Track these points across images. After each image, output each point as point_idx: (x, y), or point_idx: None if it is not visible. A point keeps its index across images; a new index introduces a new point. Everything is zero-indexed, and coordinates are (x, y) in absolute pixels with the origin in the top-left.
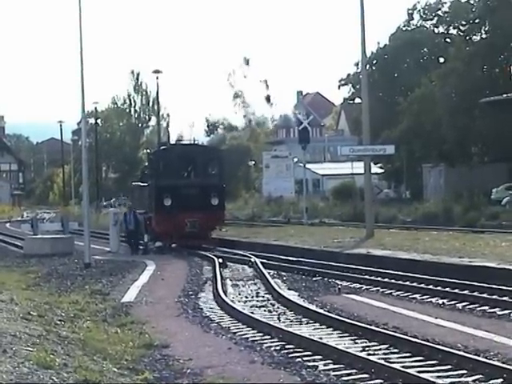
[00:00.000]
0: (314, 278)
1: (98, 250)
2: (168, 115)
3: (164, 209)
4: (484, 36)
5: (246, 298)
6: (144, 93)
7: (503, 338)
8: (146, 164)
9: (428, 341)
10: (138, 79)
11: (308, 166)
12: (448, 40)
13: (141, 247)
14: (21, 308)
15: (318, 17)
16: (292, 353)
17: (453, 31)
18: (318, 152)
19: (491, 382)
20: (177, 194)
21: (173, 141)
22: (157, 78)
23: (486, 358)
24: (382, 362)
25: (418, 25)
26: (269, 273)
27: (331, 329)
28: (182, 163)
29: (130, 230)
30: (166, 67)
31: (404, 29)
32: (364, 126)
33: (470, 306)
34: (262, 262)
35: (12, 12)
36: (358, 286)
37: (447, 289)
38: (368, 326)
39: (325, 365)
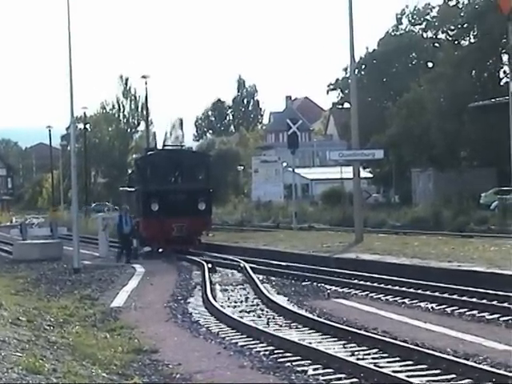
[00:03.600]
0: (304, 283)
1: (87, 255)
2: (151, 121)
3: (151, 214)
4: (472, 41)
5: (236, 302)
6: (133, 98)
7: (492, 342)
8: (134, 169)
9: (417, 345)
10: (126, 84)
11: (297, 170)
12: (437, 45)
13: (131, 252)
14: (10, 313)
15: (306, 22)
16: (281, 357)
17: (441, 36)
18: (307, 157)
19: None
20: (164, 199)
21: (160, 146)
22: (145, 83)
23: (475, 362)
24: (372, 366)
25: (407, 29)
26: (258, 278)
27: (320, 333)
28: (169, 168)
29: (125, 233)
30: (155, 72)
31: (393, 33)
32: (353, 131)
33: (459, 311)
34: (251, 267)
35: (0, 17)
36: (348, 290)
37: (436, 293)
38: (357, 331)
39: (314, 369)
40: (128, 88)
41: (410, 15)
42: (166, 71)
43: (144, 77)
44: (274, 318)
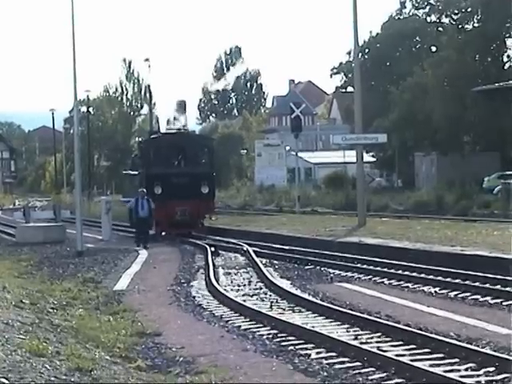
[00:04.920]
0: (307, 267)
1: (90, 238)
2: (155, 104)
3: (154, 197)
4: (476, 25)
5: (239, 286)
6: (136, 81)
7: (495, 326)
8: (137, 152)
9: (420, 329)
10: (130, 67)
11: (300, 154)
12: (440, 29)
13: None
14: (13, 296)
15: (310, 5)
16: (284, 341)
17: (445, 20)
18: (310, 141)
19: (483, 370)
20: (167, 182)
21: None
22: (149, 66)
23: (478, 346)
24: (375, 350)
25: (411, 13)
26: (261, 261)
27: (323, 317)
28: (173, 152)
29: (142, 217)
30: (159, 54)
31: (396, 17)
32: (356, 115)
33: (463, 295)
34: (254, 251)
35: (2, 1)
36: (351, 274)
37: (439, 277)
38: (360, 315)
39: (317, 353)
40: (131, 71)
41: None
42: (169, 54)
43: (147, 60)
44: (277, 302)
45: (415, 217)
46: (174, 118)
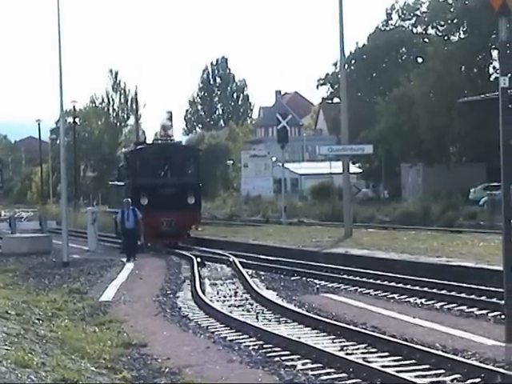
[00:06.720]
0: (293, 278)
1: (76, 248)
2: (141, 115)
3: (140, 208)
4: (462, 36)
5: (225, 297)
6: (122, 91)
7: (481, 337)
8: (123, 163)
9: (406, 340)
10: (116, 78)
11: (286, 165)
12: (426, 40)
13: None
14: None
15: (296, 16)
16: (270, 352)
17: (431, 31)
18: (297, 151)
19: (469, 381)
20: (153, 193)
21: (149, 140)
22: (135, 77)
23: (464, 357)
24: (361, 361)
25: (397, 25)
26: (247, 272)
27: (309, 328)
28: (159, 162)
29: (128, 229)
30: (145, 65)
31: (382, 29)
32: (342, 126)
33: (448, 306)
34: (240, 262)
35: None
36: (337, 285)
37: (425, 288)
38: (346, 326)
39: (303, 364)
40: (118, 82)
41: (399, 10)
42: (155, 65)
43: (134, 70)
44: (263, 313)
45: (401, 228)
46: (162, 127)
